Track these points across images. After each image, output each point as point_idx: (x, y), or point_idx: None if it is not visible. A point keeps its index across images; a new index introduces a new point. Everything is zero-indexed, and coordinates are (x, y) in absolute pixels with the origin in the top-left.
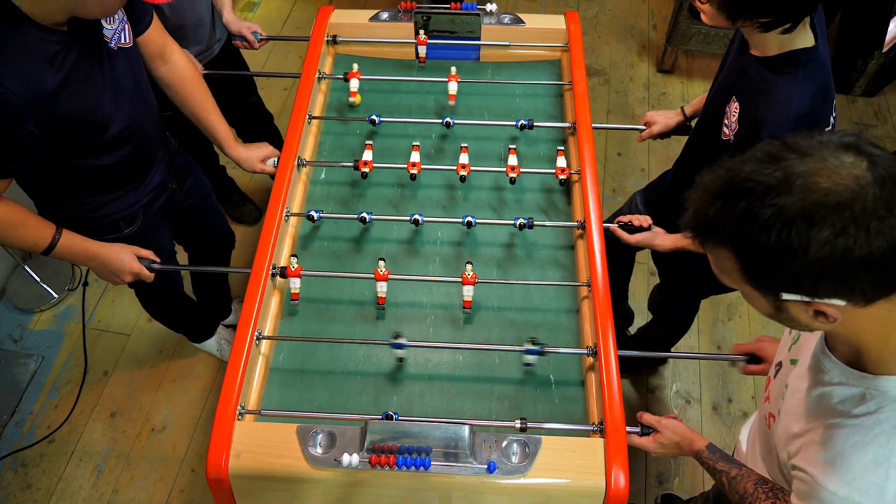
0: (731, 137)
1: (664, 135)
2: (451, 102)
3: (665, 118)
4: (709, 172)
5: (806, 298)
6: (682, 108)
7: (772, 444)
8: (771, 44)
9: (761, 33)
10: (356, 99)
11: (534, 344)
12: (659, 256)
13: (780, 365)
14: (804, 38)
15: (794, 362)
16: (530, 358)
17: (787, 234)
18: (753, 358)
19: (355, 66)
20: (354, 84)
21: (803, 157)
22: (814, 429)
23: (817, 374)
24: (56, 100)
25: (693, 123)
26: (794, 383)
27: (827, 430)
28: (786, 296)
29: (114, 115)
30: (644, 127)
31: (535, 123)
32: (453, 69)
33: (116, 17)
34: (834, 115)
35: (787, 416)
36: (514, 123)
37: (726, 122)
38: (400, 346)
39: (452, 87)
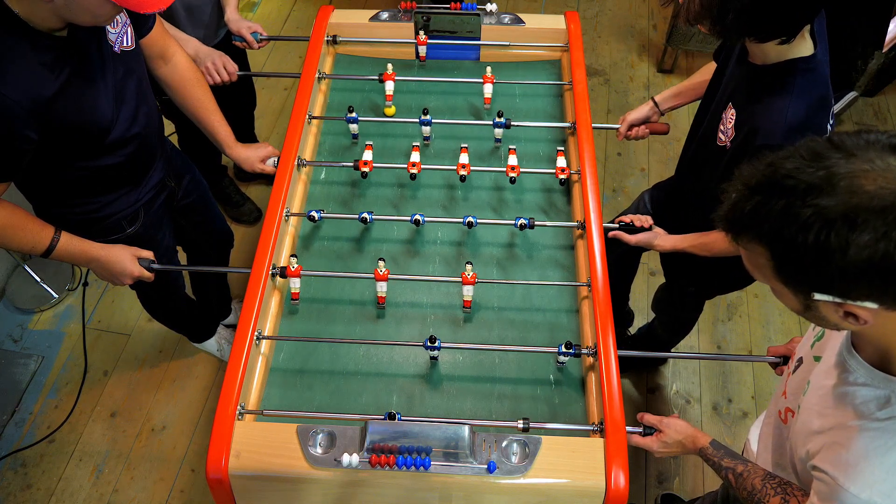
0: (728, 144)
1: (641, 123)
2: (487, 106)
3: (637, 109)
4: (748, 166)
5: (838, 299)
6: (651, 98)
7: (785, 438)
8: (769, 53)
9: (759, 44)
10: (391, 108)
11: (568, 347)
12: (665, 257)
13: (800, 361)
14: (803, 46)
15: (817, 359)
16: (563, 357)
17: (825, 235)
18: (786, 359)
19: (390, 67)
20: (390, 86)
21: (848, 157)
22: (835, 428)
23: (842, 372)
24: (55, 106)
25: (666, 114)
26: (817, 380)
27: (850, 432)
28: (818, 296)
29: (114, 120)
30: (619, 125)
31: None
32: (489, 70)
33: (119, 20)
34: (832, 123)
35: (808, 412)
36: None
37: (722, 128)
38: (434, 348)
39: (487, 90)
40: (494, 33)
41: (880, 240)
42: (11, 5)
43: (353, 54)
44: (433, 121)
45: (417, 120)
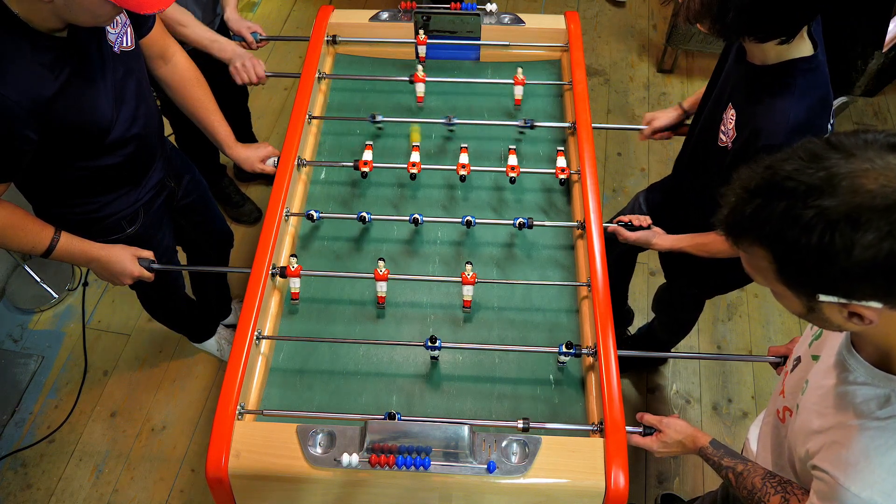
0: (729, 144)
1: (667, 129)
2: (517, 106)
3: (664, 114)
4: (746, 168)
5: (843, 300)
6: (679, 103)
7: (783, 437)
8: (769, 53)
9: (758, 44)
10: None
11: (568, 347)
12: (664, 257)
13: (798, 360)
14: (803, 47)
15: (815, 358)
16: (563, 357)
17: (829, 236)
18: (787, 359)
19: (420, 69)
20: (420, 88)
21: (848, 157)
22: (835, 427)
23: (842, 372)
24: (55, 106)
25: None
26: (816, 379)
27: (850, 431)
28: (822, 297)
29: (114, 120)
30: (644, 126)
31: (536, 124)
32: (520, 71)
33: (119, 20)
34: (832, 123)
35: (807, 411)
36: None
37: (723, 128)
38: (435, 348)
39: (518, 92)
40: (494, 33)
41: (884, 238)
42: (11, 6)
43: (353, 54)
44: (456, 121)
45: (416, 120)
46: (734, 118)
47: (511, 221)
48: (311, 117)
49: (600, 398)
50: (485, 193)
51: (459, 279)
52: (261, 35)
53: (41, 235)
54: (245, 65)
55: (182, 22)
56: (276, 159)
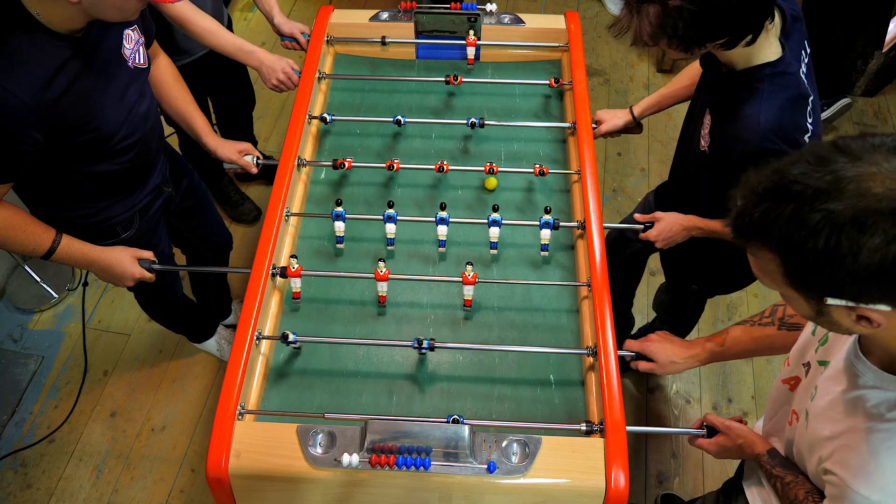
0: (706, 149)
1: (612, 133)
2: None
3: (613, 117)
4: (755, 171)
5: (851, 303)
6: (630, 107)
7: (791, 441)
8: (737, 60)
9: (725, 51)
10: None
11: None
12: (665, 257)
13: (807, 365)
14: (769, 51)
15: (822, 363)
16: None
17: (836, 239)
18: (639, 356)
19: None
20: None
21: (854, 160)
22: (847, 432)
23: (851, 377)
24: (61, 107)
25: (643, 123)
26: (825, 385)
27: (860, 434)
28: (830, 300)
29: (119, 126)
30: (595, 125)
31: (487, 123)
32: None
33: (133, 36)
34: (811, 120)
35: (817, 418)
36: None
37: (703, 132)
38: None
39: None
40: (494, 33)
41: (891, 242)
42: (30, 6)
43: (353, 54)
44: (406, 119)
45: (416, 120)
46: (709, 124)
47: (516, 222)
48: (311, 117)
49: (600, 398)
50: (486, 194)
51: (460, 279)
52: (308, 34)
53: (42, 237)
54: (280, 81)
55: (209, 29)
56: (256, 158)
